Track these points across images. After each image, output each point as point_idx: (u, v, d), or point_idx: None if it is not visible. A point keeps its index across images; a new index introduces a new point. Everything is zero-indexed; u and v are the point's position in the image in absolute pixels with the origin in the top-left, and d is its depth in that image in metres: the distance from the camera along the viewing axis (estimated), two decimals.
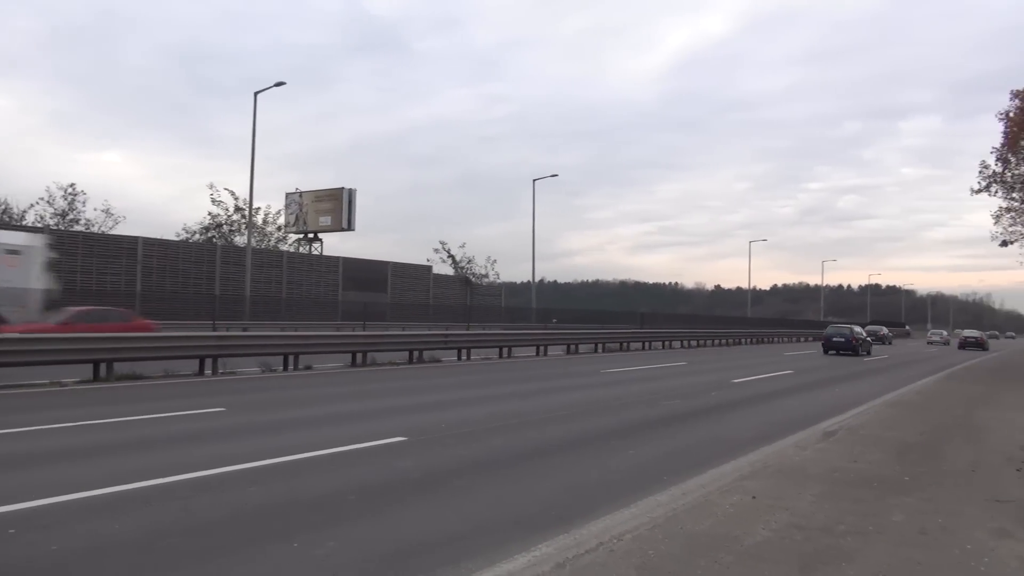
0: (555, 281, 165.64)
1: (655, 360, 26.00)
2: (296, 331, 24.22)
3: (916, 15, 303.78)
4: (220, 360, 15.84)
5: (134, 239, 33.32)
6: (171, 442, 8.11)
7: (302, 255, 44.94)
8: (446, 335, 23.41)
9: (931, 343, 63.21)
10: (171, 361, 15.11)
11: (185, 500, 5.69)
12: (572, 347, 29.27)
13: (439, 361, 21.47)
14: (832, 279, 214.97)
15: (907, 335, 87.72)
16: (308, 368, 17.41)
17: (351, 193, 46.98)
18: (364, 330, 24.36)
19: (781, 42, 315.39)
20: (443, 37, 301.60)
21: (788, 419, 11.53)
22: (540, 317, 41.95)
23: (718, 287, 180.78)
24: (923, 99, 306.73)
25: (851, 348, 36.00)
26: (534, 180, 47.35)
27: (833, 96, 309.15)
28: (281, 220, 48.14)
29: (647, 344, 34.84)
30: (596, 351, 30.26)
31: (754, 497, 6.15)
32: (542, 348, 27.10)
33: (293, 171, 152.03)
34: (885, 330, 59.91)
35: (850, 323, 42.74)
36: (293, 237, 48.72)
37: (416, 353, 21.16)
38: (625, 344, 33.11)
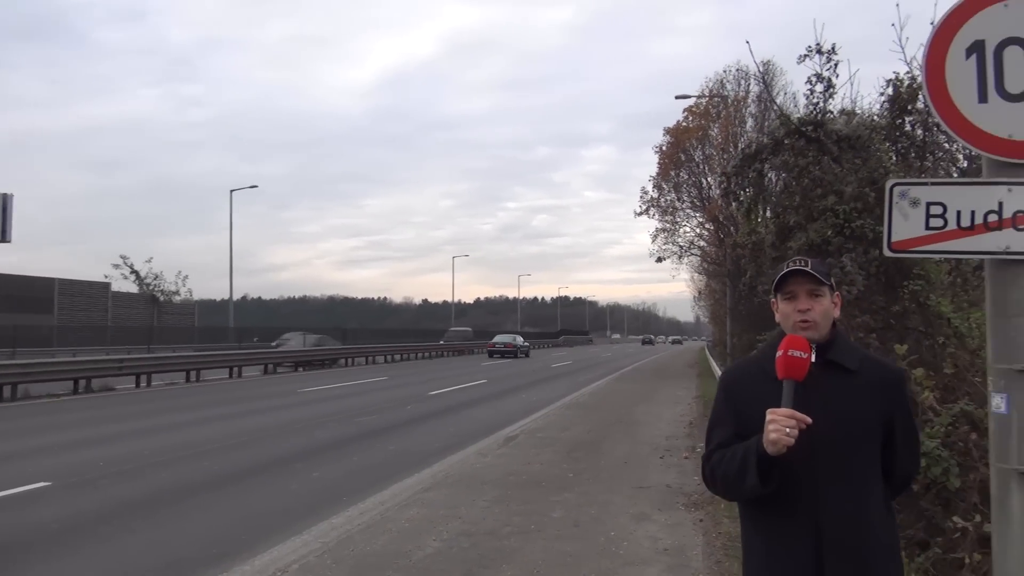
0: (259, 297, 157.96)
1: (357, 376, 25.72)
2: None
3: (594, 56, 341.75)
4: None
5: None
6: None
7: None
8: (121, 360, 20.91)
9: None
10: None
11: None
12: (270, 367, 27.94)
13: (112, 390, 19.11)
14: (528, 292, 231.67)
15: (590, 342, 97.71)
16: None
17: (6, 198, 40.10)
18: (13, 358, 20.86)
19: (481, 67, 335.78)
20: (127, 29, 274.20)
21: (477, 427, 11.99)
22: (240, 336, 39.37)
23: (425, 301, 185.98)
24: (601, 130, 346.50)
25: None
26: (231, 191, 44.56)
27: (527, 122, 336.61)
28: None
29: (351, 360, 34.39)
30: (296, 370, 29.16)
31: (431, 508, 6.23)
32: (236, 369, 25.45)
33: None
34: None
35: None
36: None
37: (84, 382, 18.61)
38: (328, 362, 32.40)
